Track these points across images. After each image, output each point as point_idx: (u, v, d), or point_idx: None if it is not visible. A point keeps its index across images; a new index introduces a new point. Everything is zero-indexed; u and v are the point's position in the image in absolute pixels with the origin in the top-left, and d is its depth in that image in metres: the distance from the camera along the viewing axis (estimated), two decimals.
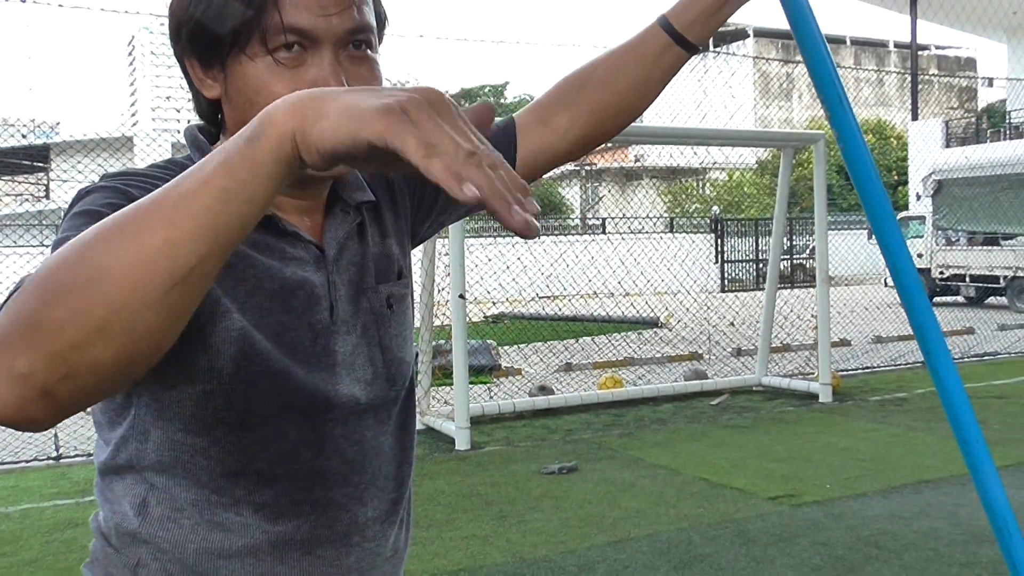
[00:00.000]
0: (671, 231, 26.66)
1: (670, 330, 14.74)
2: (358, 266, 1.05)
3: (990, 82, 36.14)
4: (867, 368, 10.16)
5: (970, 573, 3.90)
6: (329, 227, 1.02)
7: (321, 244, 1.01)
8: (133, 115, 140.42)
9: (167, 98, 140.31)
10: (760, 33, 47.59)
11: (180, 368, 0.91)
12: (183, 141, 1.02)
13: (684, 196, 34.64)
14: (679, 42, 1.16)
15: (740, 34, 47.55)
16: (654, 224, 27.82)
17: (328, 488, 1.00)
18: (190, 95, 1.01)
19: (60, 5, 7.55)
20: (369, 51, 0.96)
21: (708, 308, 14.93)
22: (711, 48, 46.26)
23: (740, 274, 26.26)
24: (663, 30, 1.16)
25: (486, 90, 51.07)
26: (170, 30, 0.97)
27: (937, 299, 19.28)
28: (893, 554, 4.16)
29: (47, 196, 29.72)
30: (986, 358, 10.83)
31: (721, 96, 40.72)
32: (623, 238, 22.05)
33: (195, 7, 0.92)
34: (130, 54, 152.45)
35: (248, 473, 0.96)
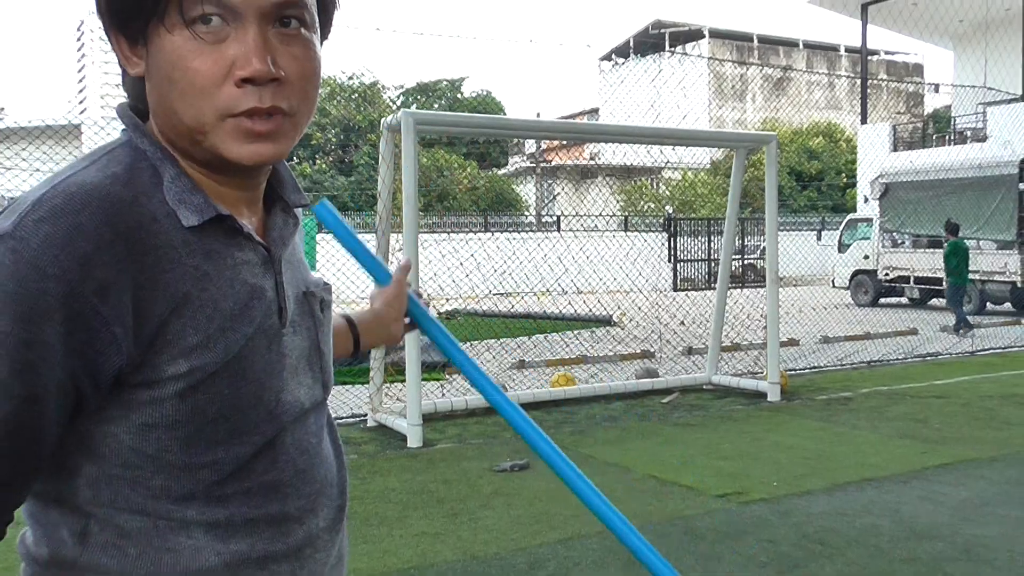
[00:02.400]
0: (625, 230, 26.86)
1: (622, 328, 14.84)
2: (294, 269, 1.03)
3: (936, 88, 37.02)
4: (814, 367, 10.34)
5: (910, 569, 3.99)
6: (273, 225, 1.00)
7: (267, 244, 0.98)
8: (81, 102, 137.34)
9: (117, 85, 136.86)
10: (715, 34, 48.09)
11: (115, 403, 0.88)
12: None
13: (638, 195, 34.91)
14: (355, 340, 1.33)
15: (696, 34, 47.99)
16: (608, 222, 28.00)
17: (283, 501, 0.97)
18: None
19: None
20: (303, 29, 0.90)
21: (660, 307, 15.07)
22: (667, 48, 46.63)
23: (692, 273, 26.54)
24: (349, 326, 1.33)
25: (443, 84, 50.87)
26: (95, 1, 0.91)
27: (883, 300, 19.71)
28: (837, 551, 4.25)
29: None
30: (928, 358, 11.09)
31: (674, 96, 41.07)
32: (577, 236, 22.16)
33: None
34: (79, 39, 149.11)
35: (198, 496, 0.92)
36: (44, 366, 0.82)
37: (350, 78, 38.96)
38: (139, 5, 0.86)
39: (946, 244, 14.48)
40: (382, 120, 7.27)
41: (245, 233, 0.94)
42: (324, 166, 35.02)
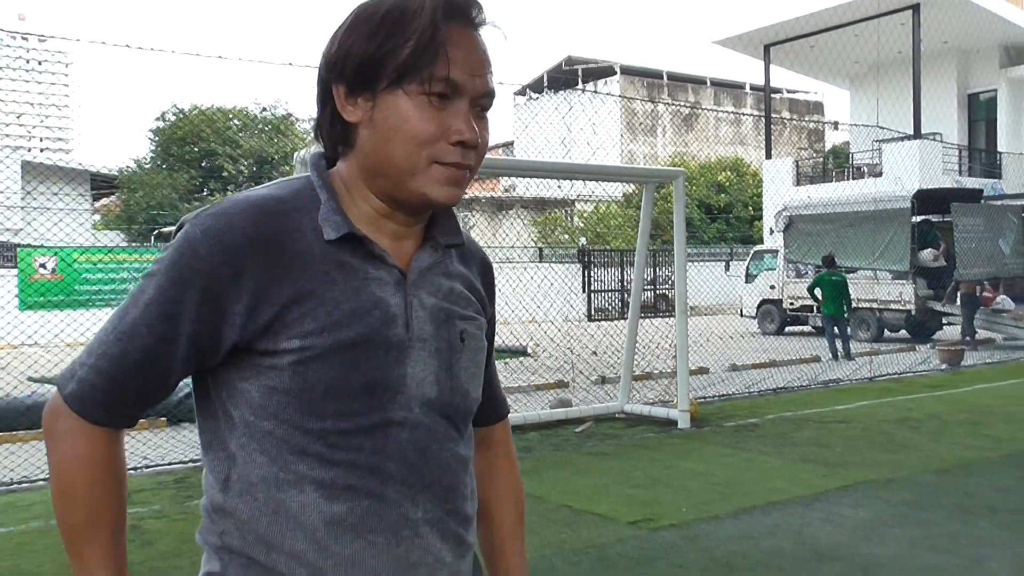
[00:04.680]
0: (540, 261, 27.11)
1: (536, 359, 14.95)
2: (439, 296, 1.21)
3: (836, 125, 38.63)
4: (723, 395, 10.59)
5: None
6: (417, 258, 1.21)
7: (404, 269, 1.18)
8: None
9: (18, 116, 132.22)
10: (627, 71, 49.26)
11: (249, 365, 1.12)
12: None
13: (552, 227, 35.32)
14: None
15: (607, 71, 49.08)
16: (522, 254, 28.22)
17: (383, 483, 1.13)
18: (317, 117, 1.20)
19: None
20: (487, 113, 1.19)
21: (573, 338, 15.25)
22: (580, 84, 47.54)
23: (606, 304, 26.92)
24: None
25: None
26: (330, 57, 1.15)
27: (788, 328, 20.36)
28: (743, 573, 4.37)
29: None
30: (830, 385, 11.49)
31: (584, 133, 41.83)
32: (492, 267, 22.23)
33: (374, 43, 1.12)
34: None
35: (310, 454, 1.12)
36: (181, 319, 1.10)
37: (263, 110, 38.49)
38: (380, 73, 1.12)
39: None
40: (295, 153, 7.24)
41: (377, 255, 1.16)
42: None
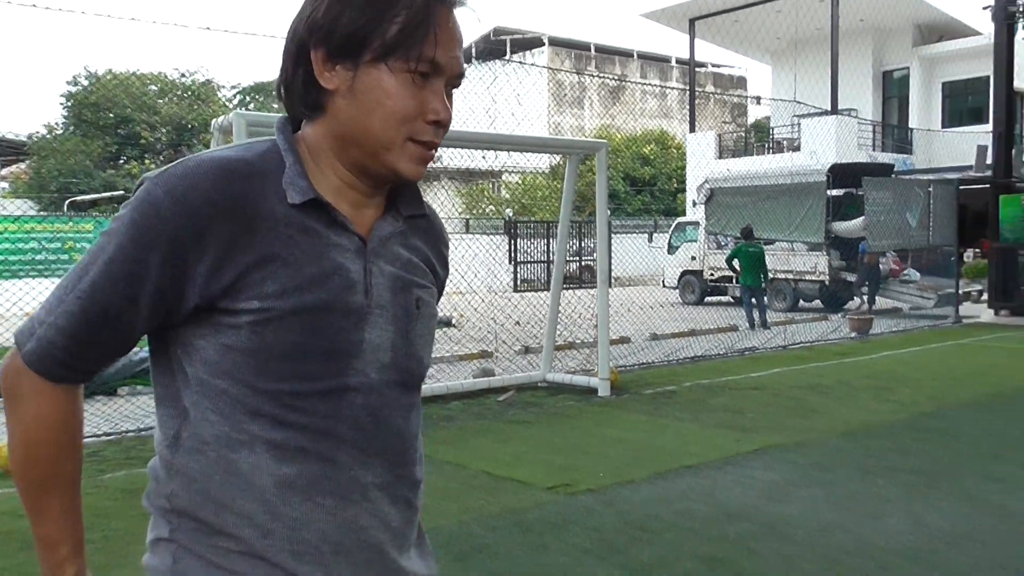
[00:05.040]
0: (466, 232, 27.09)
1: (459, 329, 15.00)
2: (397, 265, 1.23)
3: (758, 100, 39.34)
4: (643, 363, 10.78)
5: (720, 547, 4.29)
6: (378, 227, 1.22)
7: (365, 237, 1.19)
8: None
9: None
10: (554, 42, 49.24)
11: (208, 322, 1.12)
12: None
13: (479, 197, 35.26)
14: None
15: (535, 42, 48.98)
16: (447, 225, 28.12)
17: (335, 446, 1.14)
18: (286, 77, 1.18)
19: None
20: (455, 91, 1.22)
21: (497, 308, 15.33)
22: (507, 55, 47.36)
23: (532, 275, 27.08)
24: None
25: None
26: (315, 20, 1.13)
27: (708, 299, 20.81)
28: (655, 534, 4.51)
29: None
30: (746, 353, 11.82)
31: (509, 104, 41.75)
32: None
33: (366, 15, 1.11)
34: None
35: (263, 415, 1.12)
36: (145, 279, 1.09)
37: (182, 76, 37.32)
38: (366, 45, 1.12)
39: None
40: (213, 121, 7.08)
41: (339, 221, 1.16)
42: (154, 166, 33.35)
